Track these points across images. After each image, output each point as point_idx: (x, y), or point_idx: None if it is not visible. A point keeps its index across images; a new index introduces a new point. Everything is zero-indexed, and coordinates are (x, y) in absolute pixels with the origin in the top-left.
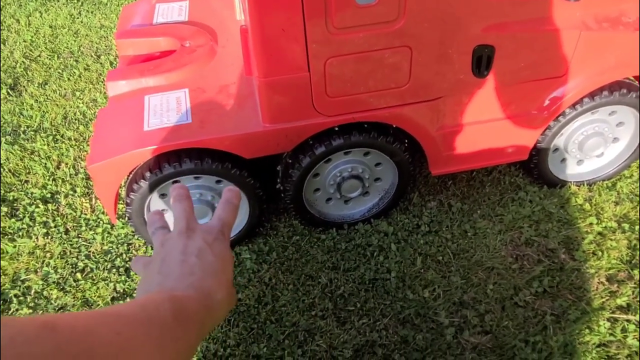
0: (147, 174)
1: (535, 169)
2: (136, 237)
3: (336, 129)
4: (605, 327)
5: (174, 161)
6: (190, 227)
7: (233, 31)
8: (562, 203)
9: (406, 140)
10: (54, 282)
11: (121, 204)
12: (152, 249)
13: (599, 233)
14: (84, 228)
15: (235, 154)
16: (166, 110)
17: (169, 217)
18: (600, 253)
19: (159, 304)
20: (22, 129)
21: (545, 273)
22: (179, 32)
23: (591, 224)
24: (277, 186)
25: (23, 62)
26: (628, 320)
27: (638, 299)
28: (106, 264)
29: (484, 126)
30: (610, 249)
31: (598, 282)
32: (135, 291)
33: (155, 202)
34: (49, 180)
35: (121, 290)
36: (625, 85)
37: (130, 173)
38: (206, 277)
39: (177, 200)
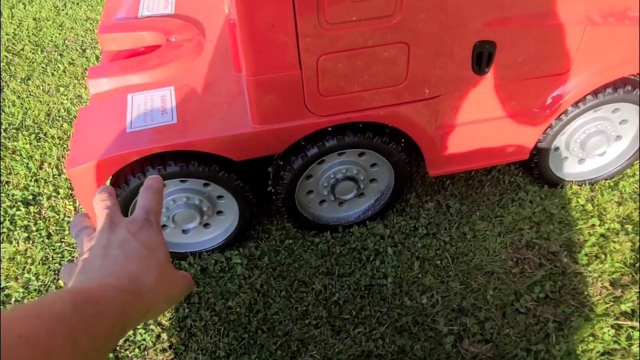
0: (130, 178)
1: (536, 168)
2: None
3: (329, 129)
4: (609, 335)
5: (158, 164)
6: (113, 222)
7: (222, 25)
8: (564, 203)
9: (403, 140)
10: (35, 290)
11: None
12: None
13: (602, 235)
14: (67, 232)
15: (224, 156)
16: (150, 109)
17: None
18: (603, 256)
19: (55, 301)
20: (3, 126)
21: (547, 277)
22: (165, 26)
23: (593, 225)
24: (268, 188)
25: (5, 56)
26: (633, 327)
27: None
28: None
29: (483, 125)
30: (614, 252)
31: (601, 287)
32: None
33: None
34: (30, 181)
35: None
36: (630, 82)
37: (112, 177)
38: (130, 263)
39: (97, 204)
